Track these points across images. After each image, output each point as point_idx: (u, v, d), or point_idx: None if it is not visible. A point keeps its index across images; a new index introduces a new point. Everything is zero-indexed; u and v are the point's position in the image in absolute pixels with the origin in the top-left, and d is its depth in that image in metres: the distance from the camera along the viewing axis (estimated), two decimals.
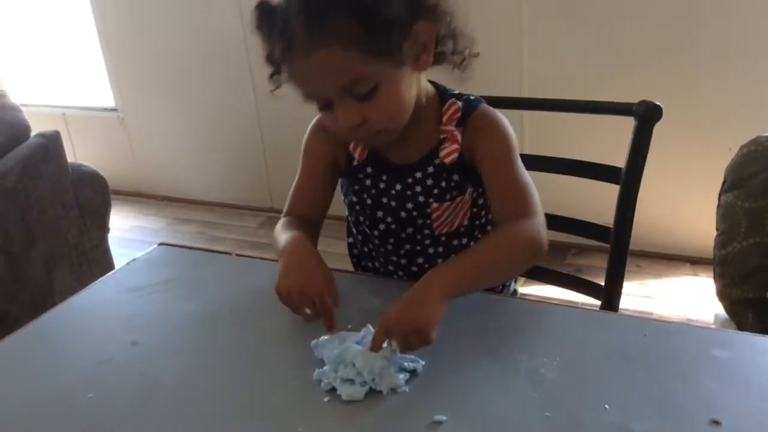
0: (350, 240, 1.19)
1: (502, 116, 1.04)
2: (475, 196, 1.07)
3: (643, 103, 1.15)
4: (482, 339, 0.87)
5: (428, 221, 1.06)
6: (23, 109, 2.13)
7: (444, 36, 0.97)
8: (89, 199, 2.19)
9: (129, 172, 3.61)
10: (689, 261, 2.51)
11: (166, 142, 3.49)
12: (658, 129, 1.14)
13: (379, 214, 1.08)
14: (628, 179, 1.17)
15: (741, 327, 1.41)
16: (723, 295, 1.45)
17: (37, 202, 1.99)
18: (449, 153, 1.02)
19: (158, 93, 3.40)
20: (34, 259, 1.99)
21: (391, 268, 1.12)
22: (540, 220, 0.96)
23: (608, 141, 2.00)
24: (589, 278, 1.29)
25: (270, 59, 0.96)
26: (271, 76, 0.98)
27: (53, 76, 3.84)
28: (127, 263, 1.16)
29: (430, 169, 1.03)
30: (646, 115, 1.14)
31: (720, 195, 1.44)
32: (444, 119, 1.03)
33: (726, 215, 1.43)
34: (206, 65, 3.20)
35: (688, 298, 2.31)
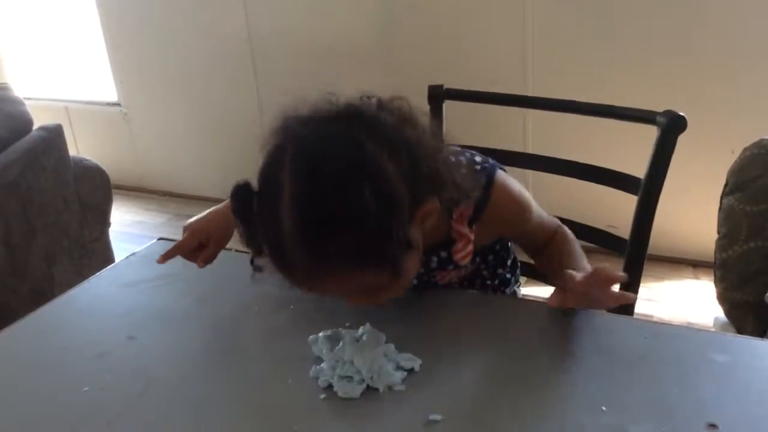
0: None
1: (513, 181, 0.98)
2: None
3: (668, 113, 1.12)
4: (480, 339, 0.87)
5: (433, 279, 1.01)
6: (26, 102, 2.13)
7: (448, 200, 0.86)
8: (90, 193, 2.19)
9: (131, 166, 3.61)
10: (691, 264, 2.50)
11: (168, 138, 3.49)
12: None
13: None
14: (647, 190, 1.14)
15: (741, 331, 1.41)
16: (723, 298, 1.45)
17: (38, 196, 1.99)
18: (464, 256, 0.96)
19: (161, 88, 3.40)
20: (34, 252, 2.00)
21: None
22: (561, 227, 1.06)
23: (614, 145, 2.00)
24: None
25: (250, 243, 0.81)
26: (252, 260, 0.99)
27: (56, 70, 3.83)
28: (126, 257, 1.15)
29: (439, 263, 0.97)
30: (670, 126, 1.11)
31: (722, 198, 1.44)
32: (454, 216, 0.93)
33: (727, 218, 1.43)
34: (209, 61, 3.19)
35: (689, 302, 2.31)
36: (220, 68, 3.18)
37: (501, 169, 0.99)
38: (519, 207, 0.99)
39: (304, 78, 2.98)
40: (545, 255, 1.06)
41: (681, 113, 1.12)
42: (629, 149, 1.40)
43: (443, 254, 0.96)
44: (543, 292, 1.21)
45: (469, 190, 0.89)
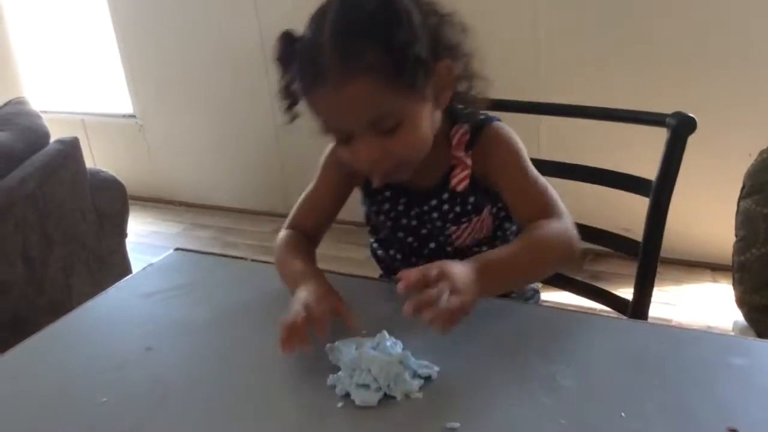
0: (373, 242, 1.19)
1: (511, 131, 1.03)
2: (495, 211, 1.07)
3: (677, 114, 1.11)
4: (497, 345, 0.87)
5: (448, 240, 1.07)
6: (43, 115, 2.16)
7: (462, 76, 0.97)
8: (107, 204, 2.21)
9: (147, 177, 3.64)
10: (709, 267, 2.48)
11: (183, 148, 3.52)
12: None
13: (400, 234, 1.10)
14: (658, 192, 1.13)
15: (761, 334, 1.39)
16: (742, 302, 1.43)
17: (55, 208, 2.01)
18: (460, 180, 1.02)
19: (176, 99, 3.43)
20: (52, 264, 2.01)
21: None
22: (567, 219, 0.96)
23: (628, 149, 1.99)
24: (606, 284, 1.28)
25: (287, 91, 0.94)
26: (288, 108, 0.97)
27: (72, 83, 3.88)
28: (143, 268, 1.16)
29: (445, 196, 1.04)
30: (680, 128, 1.10)
31: (739, 200, 1.43)
32: (453, 144, 1.03)
33: (745, 221, 1.41)
34: (223, 72, 3.22)
35: (707, 305, 2.28)
36: (235, 79, 3.20)
37: None
38: (509, 148, 1.01)
39: None
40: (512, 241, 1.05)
41: (690, 114, 1.10)
42: (642, 153, 1.39)
43: (449, 188, 1.03)
44: (559, 297, 1.21)
45: (476, 98, 0.98)
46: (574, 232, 0.95)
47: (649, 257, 1.16)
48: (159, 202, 3.65)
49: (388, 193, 1.08)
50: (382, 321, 0.89)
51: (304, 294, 0.90)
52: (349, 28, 0.86)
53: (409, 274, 0.78)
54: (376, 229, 1.15)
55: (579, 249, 0.95)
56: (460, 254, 1.07)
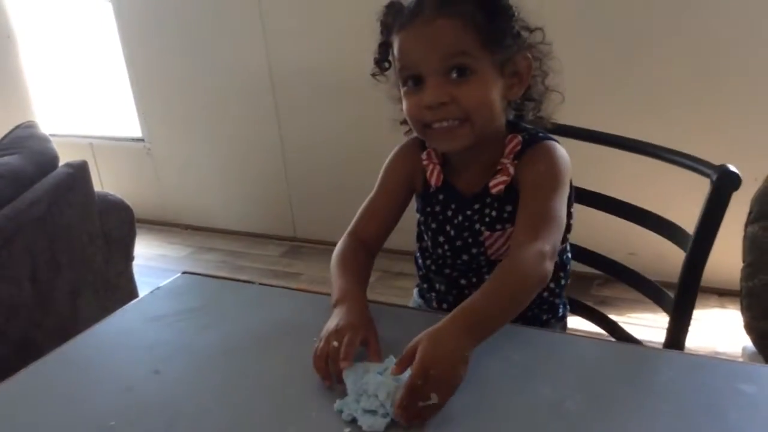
0: (417, 250, 1.21)
1: (564, 154, 1.04)
2: None
3: (720, 168, 1.05)
4: (505, 372, 0.87)
5: (482, 249, 1.08)
6: (52, 139, 2.18)
7: (537, 85, 1.04)
8: (115, 227, 2.21)
9: (155, 200, 3.66)
10: (717, 293, 2.47)
11: (191, 172, 3.54)
12: None
13: (441, 239, 1.12)
14: (696, 248, 1.08)
15: None
16: (751, 327, 1.43)
17: (63, 231, 2.02)
18: (497, 184, 1.05)
19: (184, 123, 3.45)
20: (59, 288, 2.02)
21: (443, 288, 1.16)
22: (547, 249, 0.93)
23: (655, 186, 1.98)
24: (613, 310, 1.28)
25: (382, 48, 1.04)
26: (378, 62, 1.06)
27: (82, 107, 3.92)
28: (151, 291, 1.17)
29: (488, 200, 1.07)
30: (723, 184, 1.04)
31: (746, 226, 1.43)
32: (506, 152, 1.05)
33: (752, 247, 1.41)
34: (232, 97, 3.24)
35: (716, 331, 2.27)
36: (242, 103, 3.22)
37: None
38: (550, 167, 1.02)
39: (325, 113, 3.02)
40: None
41: (734, 169, 1.04)
42: (668, 191, 1.39)
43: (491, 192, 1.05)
44: (571, 322, 1.21)
45: (542, 117, 1.06)
46: (544, 266, 0.92)
47: (683, 308, 1.11)
48: (166, 225, 3.67)
49: (441, 197, 1.11)
50: (390, 346, 0.89)
51: (336, 319, 0.91)
52: None
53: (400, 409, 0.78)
54: (421, 236, 1.18)
55: (545, 281, 0.93)
56: (490, 267, 1.09)
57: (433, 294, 1.20)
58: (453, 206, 1.10)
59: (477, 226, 1.08)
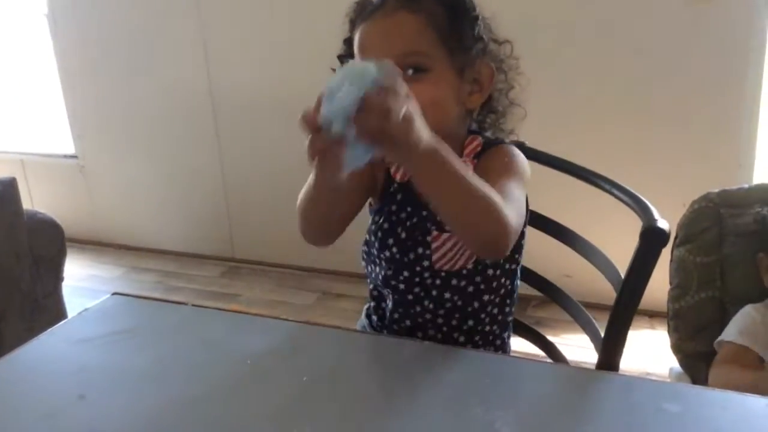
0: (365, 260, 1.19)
1: (521, 156, 1.06)
2: None
3: (649, 225, 1.00)
4: (438, 391, 0.87)
5: (427, 251, 1.07)
6: None
7: (498, 97, 1.05)
8: (44, 247, 2.14)
9: (87, 219, 3.56)
10: (647, 314, 2.54)
11: (126, 190, 3.46)
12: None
13: (390, 240, 1.10)
14: (627, 292, 1.05)
15: (695, 380, 1.43)
16: (677, 348, 1.47)
17: None
18: None
19: (119, 140, 3.38)
20: None
21: (390, 305, 1.13)
22: (512, 220, 0.89)
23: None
24: (549, 331, 1.30)
25: (346, 42, 1.05)
26: (340, 58, 1.06)
27: (12, 123, 3.79)
28: (79, 313, 1.13)
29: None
30: (650, 241, 1.01)
31: (672, 249, 1.48)
32: (464, 152, 1.07)
33: (678, 270, 1.46)
34: (170, 115, 3.20)
35: (645, 352, 2.33)
36: (181, 122, 3.18)
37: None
38: (506, 159, 1.03)
39: (266, 133, 3.01)
40: None
41: (662, 225, 1.00)
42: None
43: None
44: (518, 344, 1.23)
45: (502, 128, 1.07)
46: (511, 228, 0.89)
47: (614, 339, 1.10)
48: (98, 245, 3.57)
49: (399, 197, 1.10)
50: (334, 370, 0.88)
51: None
52: None
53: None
54: (371, 244, 1.15)
55: (506, 243, 0.91)
56: (433, 277, 1.08)
57: (380, 313, 1.18)
58: (409, 209, 1.09)
59: (428, 224, 1.07)
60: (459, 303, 1.10)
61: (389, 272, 1.12)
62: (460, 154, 1.06)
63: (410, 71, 0.96)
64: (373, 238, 1.14)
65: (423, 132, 0.81)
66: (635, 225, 1.05)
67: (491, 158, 1.05)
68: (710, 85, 2.32)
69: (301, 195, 1.01)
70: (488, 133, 1.10)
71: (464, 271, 1.08)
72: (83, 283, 3.11)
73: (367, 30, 0.99)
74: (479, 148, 1.07)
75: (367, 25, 1.00)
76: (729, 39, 2.26)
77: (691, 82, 2.34)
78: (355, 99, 0.75)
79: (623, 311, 1.07)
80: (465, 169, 0.87)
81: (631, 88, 2.40)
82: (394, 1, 0.98)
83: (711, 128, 2.35)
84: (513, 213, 0.91)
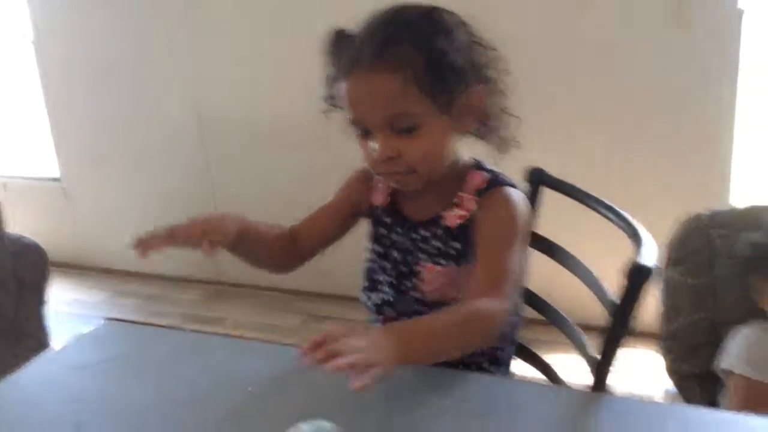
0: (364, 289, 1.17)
1: (525, 204, 1.05)
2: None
3: (635, 263, 1.00)
4: (437, 413, 0.86)
5: (419, 280, 1.07)
6: None
7: (491, 109, 1.03)
8: (27, 271, 2.11)
9: (70, 243, 3.51)
10: (641, 335, 2.54)
11: (110, 214, 3.42)
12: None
13: (387, 264, 1.11)
14: (616, 324, 1.06)
15: (689, 402, 1.43)
16: (671, 370, 1.47)
17: None
18: (455, 217, 1.05)
19: (103, 163, 3.35)
20: None
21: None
22: (503, 306, 0.93)
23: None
24: (546, 351, 1.31)
25: (329, 81, 1.03)
26: (326, 99, 1.05)
27: None
28: (76, 338, 1.11)
29: (438, 231, 1.06)
30: (635, 278, 0.99)
31: (663, 270, 1.48)
32: (465, 186, 1.06)
33: (670, 291, 1.47)
34: (154, 138, 3.18)
35: (639, 374, 2.33)
36: (167, 147, 3.16)
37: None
38: (508, 216, 1.01)
39: (253, 156, 3.00)
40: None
41: (647, 263, 1.00)
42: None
43: (441, 223, 1.05)
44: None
45: (501, 137, 1.04)
46: (498, 319, 0.92)
47: (607, 360, 1.10)
48: (81, 269, 3.52)
49: (388, 220, 1.11)
50: (315, 393, 0.87)
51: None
52: (392, 26, 0.96)
53: (313, 338, 0.73)
54: (371, 271, 1.15)
55: (495, 336, 0.95)
56: (423, 306, 1.06)
57: None
58: (399, 230, 1.10)
59: (419, 253, 1.07)
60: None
61: (385, 306, 1.11)
62: (460, 189, 1.06)
63: (401, 129, 0.96)
64: (374, 268, 1.13)
65: (383, 347, 0.77)
66: (624, 239, 1.06)
67: (491, 209, 1.03)
68: (688, 105, 2.35)
69: None
70: (492, 142, 1.06)
71: (453, 303, 1.05)
72: (67, 307, 3.06)
73: (351, 91, 0.97)
74: (485, 185, 1.05)
75: (349, 83, 0.97)
76: (704, 62, 2.30)
77: (669, 103, 2.37)
78: None
79: (614, 342, 1.09)
80: (434, 321, 0.88)
81: (610, 108, 2.43)
82: (371, 53, 0.94)
83: (699, 147, 2.37)
84: (503, 298, 0.93)
